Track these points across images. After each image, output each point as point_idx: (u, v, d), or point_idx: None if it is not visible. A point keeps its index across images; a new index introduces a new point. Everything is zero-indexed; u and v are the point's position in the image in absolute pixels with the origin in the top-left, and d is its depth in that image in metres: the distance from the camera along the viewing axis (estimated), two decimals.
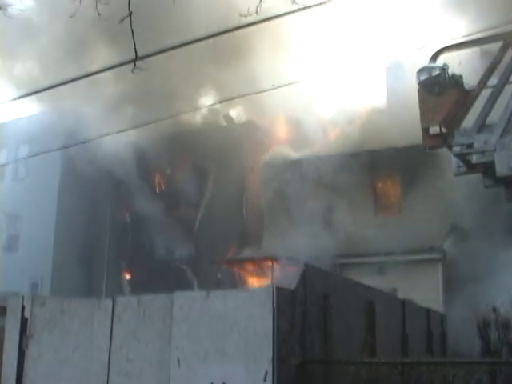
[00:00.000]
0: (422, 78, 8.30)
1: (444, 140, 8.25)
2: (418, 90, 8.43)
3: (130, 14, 7.60)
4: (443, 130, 8.29)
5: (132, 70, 8.10)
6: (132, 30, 7.77)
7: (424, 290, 22.55)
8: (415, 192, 24.64)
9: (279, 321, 10.53)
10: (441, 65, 8.30)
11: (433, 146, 8.54)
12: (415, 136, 24.09)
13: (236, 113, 29.96)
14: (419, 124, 24.09)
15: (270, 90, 16.50)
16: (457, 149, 8.26)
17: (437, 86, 8.18)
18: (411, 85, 26.71)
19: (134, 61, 8.02)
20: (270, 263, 24.22)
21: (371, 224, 26.31)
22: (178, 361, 11.36)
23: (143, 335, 12.04)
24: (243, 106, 28.91)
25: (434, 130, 8.29)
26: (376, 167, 25.34)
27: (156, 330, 11.89)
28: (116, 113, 27.82)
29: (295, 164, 25.53)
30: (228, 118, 30.13)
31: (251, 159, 27.99)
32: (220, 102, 22.14)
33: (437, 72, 8.25)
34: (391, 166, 25.57)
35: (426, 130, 8.40)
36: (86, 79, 11.62)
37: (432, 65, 8.42)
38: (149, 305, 12.16)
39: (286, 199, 25.69)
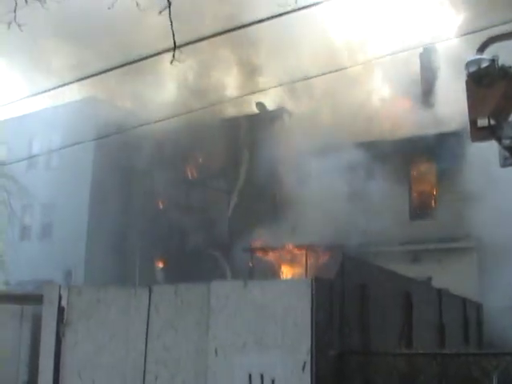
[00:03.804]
0: (471, 69, 8.14)
1: (492, 132, 8.10)
2: (466, 82, 8.27)
3: (170, 4, 7.55)
4: (492, 122, 8.14)
5: (171, 62, 8.06)
6: (171, 21, 7.72)
7: (459, 279, 22.33)
8: (451, 179, 24.32)
9: (318, 312, 10.50)
10: (490, 56, 8.16)
11: (481, 138, 8.38)
12: (450, 122, 24.00)
13: (268, 99, 29.77)
14: (453, 110, 23.92)
15: (303, 80, 16.34)
16: (506, 141, 8.10)
17: (486, 78, 8.03)
18: (444, 70, 26.59)
19: (173, 52, 7.97)
20: (303, 251, 24.15)
21: (405, 212, 26.13)
22: (216, 350, 11.37)
23: (180, 324, 12.09)
24: (275, 92, 28.74)
25: (482, 122, 8.13)
26: (411, 154, 25.06)
27: (193, 319, 11.92)
28: (151, 102, 27.96)
29: (327, 151, 25.29)
30: (260, 105, 30.01)
31: (284, 146, 27.82)
32: (253, 92, 21.95)
33: (486, 63, 8.10)
34: (426, 153, 25.32)
35: (473, 123, 8.23)
36: (122, 69, 11.62)
37: (481, 56, 8.26)
38: (186, 294, 12.19)
39: (318, 186, 25.52)
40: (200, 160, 31.94)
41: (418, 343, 13.70)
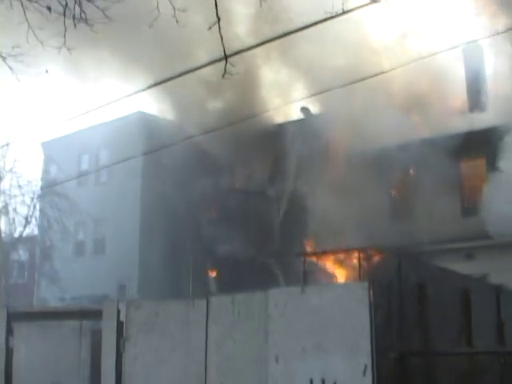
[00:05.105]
0: None
1: None
2: None
3: (219, 20, 7.63)
4: None
5: (222, 76, 8.15)
6: (221, 36, 7.81)
7: None
8: (501, 173, 23.98)
9: (376, 314, 10.46)
10: None
11: None
12: (498, 117, 23.70)
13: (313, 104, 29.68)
14: (502, 104, 23.61)
15: (348, 84, 16.23)
16: None
17: None
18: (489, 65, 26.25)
19: (225, 66, 8.05)
20: (356, 254, 24.01)
21: (457, 208, 25.89)
22: (276, 357, 11.39)
23: (239, 334, 12.13)
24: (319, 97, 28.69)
25: None
26: (461, 150, 24.77)
27: (251, 327, 11.96)
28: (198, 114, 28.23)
29: (378, 153, 25.16)
30: (305, 110, 29.97)
31: (330, 150, 27.78)
32: (304, 97, 21.96)
33: None
34: (476, 149, 25.06)
35: None
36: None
37: None
38: (243, 303, 12.23)
39: (369, 188, 25.42)
40: (248, 169, 32.01)
41: (477, 341, 13.54)
